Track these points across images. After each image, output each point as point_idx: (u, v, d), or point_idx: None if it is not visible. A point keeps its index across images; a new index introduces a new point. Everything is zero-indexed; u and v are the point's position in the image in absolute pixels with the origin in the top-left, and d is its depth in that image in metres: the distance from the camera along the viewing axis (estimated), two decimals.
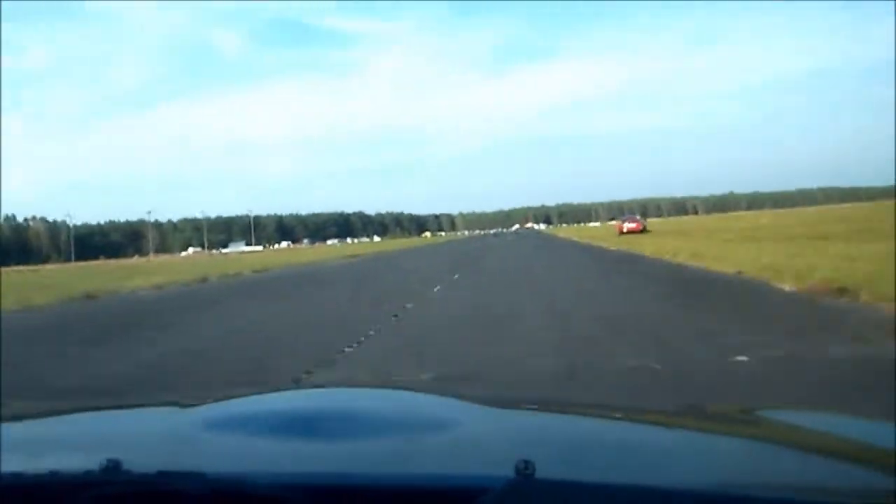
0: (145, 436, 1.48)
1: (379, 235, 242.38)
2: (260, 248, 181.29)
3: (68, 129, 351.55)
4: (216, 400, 1.69)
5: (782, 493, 1.12)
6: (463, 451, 1.30)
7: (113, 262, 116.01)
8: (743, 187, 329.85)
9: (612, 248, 34.03)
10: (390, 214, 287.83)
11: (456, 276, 20.71)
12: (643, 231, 51.82)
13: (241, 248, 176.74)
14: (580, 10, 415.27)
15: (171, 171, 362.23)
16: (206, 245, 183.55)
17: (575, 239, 57.20)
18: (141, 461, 1.13)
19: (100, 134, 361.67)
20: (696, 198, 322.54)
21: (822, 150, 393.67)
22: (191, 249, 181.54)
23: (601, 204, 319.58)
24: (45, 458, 1.27)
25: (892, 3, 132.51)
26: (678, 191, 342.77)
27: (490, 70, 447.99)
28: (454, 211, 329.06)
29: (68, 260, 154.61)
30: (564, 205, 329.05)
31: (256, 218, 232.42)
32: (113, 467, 1.04)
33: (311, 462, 1.20)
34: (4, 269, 59.37)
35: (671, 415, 1.98)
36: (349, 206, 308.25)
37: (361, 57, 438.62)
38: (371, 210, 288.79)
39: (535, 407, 2.01)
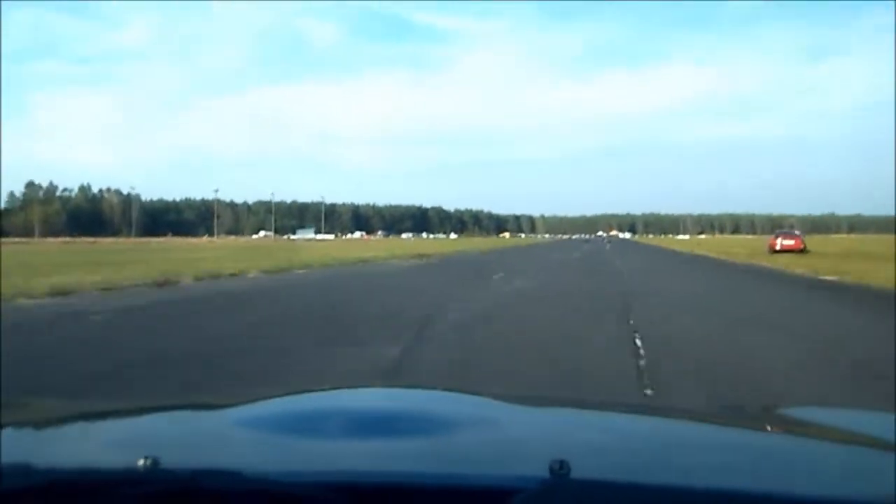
0: (183, 435, 1.48)
1: (456, 232, 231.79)
2: (331, 236, 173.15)
3: (157, 106, 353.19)
4: (252, 400, 1.67)
5: (816, 492, 1.13)
6: (497, 451, 1.29)
7: (177, 239, 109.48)
8: (843, 209, 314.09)
9: (814, 276, 21.43)
10: (469, 211, 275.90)
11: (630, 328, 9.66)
12: (803, 251, 38.74)
13: (310, 235, 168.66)
14: (678, 15, 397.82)
15: (254, 154, 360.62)
16: (274, 229, 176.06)
17: (703, 254, 44.57)
18: (179, 460, 1.14)
19: (188, 114, 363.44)
20: (793, 216, 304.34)
21: None
22: (262, 233, 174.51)
23: (689, 216, 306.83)
24: (84, 455, 1.28)
25: None
26: (772, 208, 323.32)
27: (581, 74, 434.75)
28: (535, 213, 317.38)
29: (138, 234, 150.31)
30: (651, 214, 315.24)
31: (332, 206, 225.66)
32: (151, 465, 1.04)
33: (347, 461, 1.19)
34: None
35: (704, 414, 2.00)
36: (428, 200, 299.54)
37: (452, 54, 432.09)
38: (450, 206, 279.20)
39: (570, 406, 2.03)
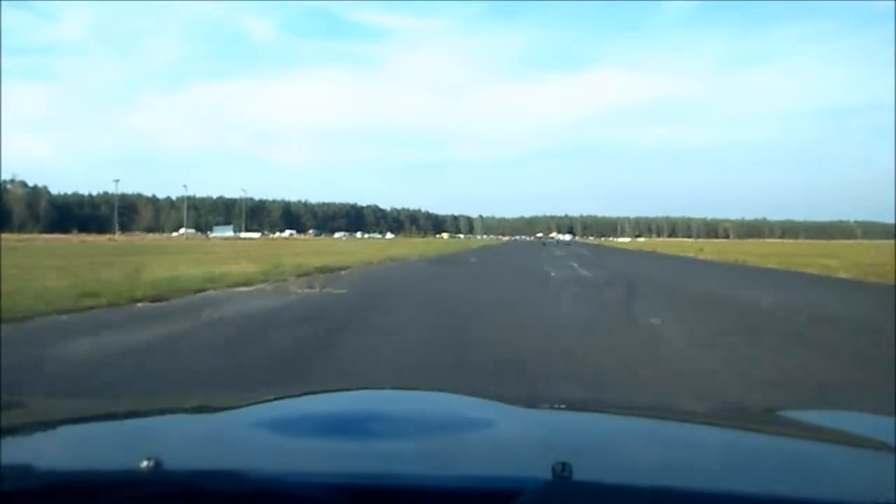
0: (184, 436, 1.47)
1: (393, 232, 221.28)
2: (257, 234, 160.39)
3: (91, 101, 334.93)
4: (253, 402, 1.67)
5: (816, 494, 1.13)
6: (500, 453, 1.28)
7: (72, 237, 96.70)
8: (776, 214, 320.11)
9: None
10: (406, 211, 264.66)
11: None
12: None
13: (228, 233, 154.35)
14: (616, 21, 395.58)
15: (189, 150, 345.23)
16: (196, 226, 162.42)
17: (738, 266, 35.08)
18: (180, 461, 1.14)
19: (122, 108, 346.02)
20: (728, 220, 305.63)
21: (862, 184, 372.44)
22: (182, 230, 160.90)
23: (627, 219, 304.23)
24: (84, 456, 1.27)
25: None
26: (707, 212, 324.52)
27: (520, 76, 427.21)
28: (473, 213, 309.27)
29: (44, 230, 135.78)
30: (589, 217, 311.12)
31: (262, 202, 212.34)
32: (153, 467, 1.03)
33: (350, 463, 1.18)
34: None
35: (706, 416, 2.02)
36: (365, 199, 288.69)
37: (391, 53, 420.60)
38: (386, 205, 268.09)
39: (572, 409, 2.04)
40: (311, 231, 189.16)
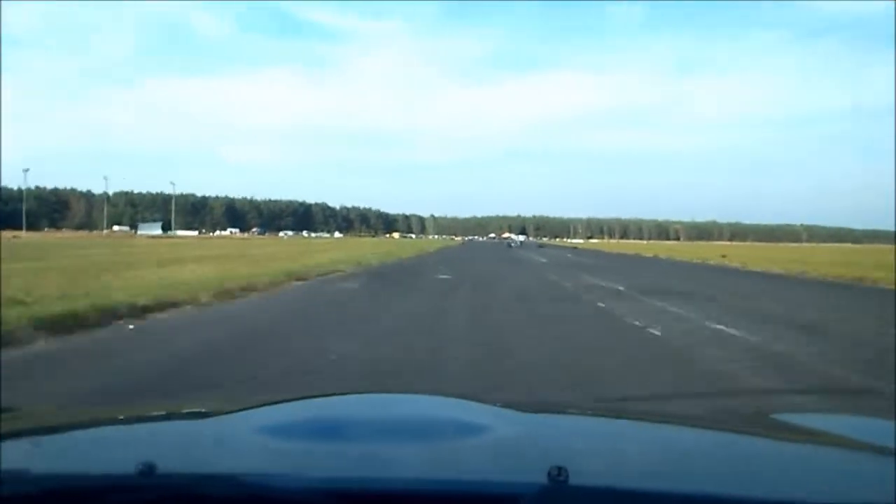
0: (181, 441, 1.46)
1: (342, 231, 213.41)
2: (194, 233, 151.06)
3: (41, 95, 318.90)
4: (251, 406, 1.67)
5: (815, 498, 1.12)
6: (496, 457, 1.28)
7: None
8: (725, 216, 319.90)
9: None
10: (356, 209, 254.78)
11: None
12: None
13: (156, 231, 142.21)
14: (570, 24, 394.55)
15: (139, 146, 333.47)
16: (105, 222, 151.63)
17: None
18: (176, 466, 1.13)
19: (73, 103, 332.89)
20: (679, 222, 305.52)
21: (808, 189, 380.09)
22: (116, 227, 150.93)
23: (580, 220, 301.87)
24: (80, 462, 1.26)
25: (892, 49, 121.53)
26: (658, 214, 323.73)
27: (475, 78, 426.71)
28: (425, 213, 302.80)
29: None
30: (541, 217, 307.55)
31: (204, 199, 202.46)
32: (148, 471, 1.03)
33: (346, 467, 1.18)
34: None
35: (703, 420, 2.00)
36: (316, 198, 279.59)
37: (347, 53, 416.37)
38: (336, 203, 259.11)
39: (568, 413, 2.03)
40: (254, 230, 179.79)
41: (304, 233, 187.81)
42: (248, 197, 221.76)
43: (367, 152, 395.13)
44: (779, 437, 1.62)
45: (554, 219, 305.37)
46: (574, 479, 1.01)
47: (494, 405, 1.74)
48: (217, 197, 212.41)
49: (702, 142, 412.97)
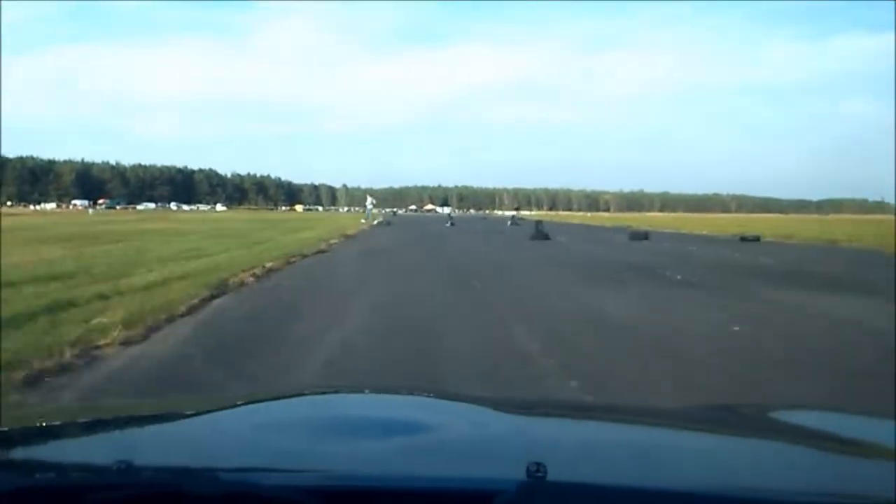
0: (163, 439, 1.43)
1: (231, 203, 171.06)
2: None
3: None
4: (231, 405, 1.63)
5: (793, 495, 1.09)
6: (475, 454, 1.26)
7: None
8: (654, 187, 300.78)
9: None
10: (252, 177, 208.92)
11: None
12: None
13: None
14: None
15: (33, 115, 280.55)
16: None
17: None
18: (158, 463, 1.11)
19: None
20: (608, 192, 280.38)
21: (733, 160, 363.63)
22: None
23: (506, 190, 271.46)
24: (63, 459, 1.25)
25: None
26: (589, 184, 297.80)
27: (388, 50, 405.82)
28: (337, 183, 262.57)
29: None
30: (464, 187, 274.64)
31: (51, 164, 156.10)
32: (130, 469, 1.01)
33: (325, 464, 1.16)
34: None
35: (682, 416, 1.96)
36: (199, 162, 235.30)
37: (253, 21, 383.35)
38: (226, 170, 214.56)
39: (547, 410, 2.00)
40: (102, 202, 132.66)
41: (173, 205, 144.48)
42: (112, 161, 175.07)
43: (275, 124, 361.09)
44: (774, 434, 1.57)
45: (479, 189, 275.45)
46: (553, 475, 0.99)
47: (473, 403, 1.69)
48: (65, 161, 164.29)
49: (619, 114, 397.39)
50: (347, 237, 26.71)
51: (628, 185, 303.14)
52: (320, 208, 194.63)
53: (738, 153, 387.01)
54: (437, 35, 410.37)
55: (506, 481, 1.00)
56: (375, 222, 45.25)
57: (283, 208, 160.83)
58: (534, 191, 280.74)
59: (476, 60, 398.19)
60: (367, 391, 2.22)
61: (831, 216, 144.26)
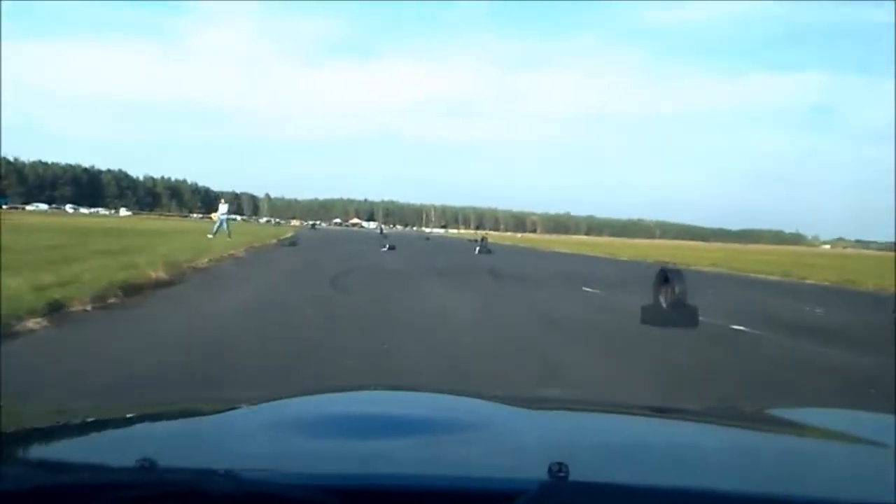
0: (183, 438, 1.42)
1: (142, 208, 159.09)
2: None
3: None
4: (250, 404, 1.63)
5: (815, 494, 1.09)
6: (497, 454, 1.24)
7: None
8: (579, 210, 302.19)
9: None
10: (166, 181, 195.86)
11: None
12: None
13: None
14: (414, 15, 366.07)
15: None
16: None
17: None
18: (176, 462, 1.11)
19: None
20: (535, 213, 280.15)
21: (658, 187, 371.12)
22: None
23: (433, 206, 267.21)
24: (81, 458, 1.23)
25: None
26: (516, 205, 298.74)
27: (319, 62, 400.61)
28: (260, 192, 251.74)
29: None
30: (391, 202, 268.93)
31: None
32: (148, 467, 1.00)
33: (346, 464, 1.15)
34: None
35: (702, 415, 1.95)
36: (111, 163, 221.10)
37: (186, 26, 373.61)
38: (139, 172, 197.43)
39: (568, 408, 1.99)
40: None
41: (69, 207, 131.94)
42: (10, 157, 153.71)
43: (198, 129, 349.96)
44: (780, 433, 1.58)
45: (406, 205, 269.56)
46: (575, 475, 0.98)
47: (494, 401, 1.68)
48: None
49: (548, 137, 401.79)
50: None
51: (554, 208, 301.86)
52: (238, 217, 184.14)
53: (662, 180, 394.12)
54: (368, 49, 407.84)
55: (528, 481, 0.98)
56: (251, 246, 24.85)
57: (197, 216, 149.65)
58: (461, 209, 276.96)
59: (408, 76, 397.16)
60: (387, 390, 2.18)
61: (750, 246, 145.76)
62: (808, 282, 23.05)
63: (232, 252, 20.57)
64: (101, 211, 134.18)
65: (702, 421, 1.75)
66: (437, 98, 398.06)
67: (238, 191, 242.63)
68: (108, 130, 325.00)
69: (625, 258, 36.82)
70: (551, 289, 14.97)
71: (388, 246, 31.30)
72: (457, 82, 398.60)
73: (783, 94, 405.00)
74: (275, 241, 32.49)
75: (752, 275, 25.50)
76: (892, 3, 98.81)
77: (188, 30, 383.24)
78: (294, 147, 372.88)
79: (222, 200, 35.21)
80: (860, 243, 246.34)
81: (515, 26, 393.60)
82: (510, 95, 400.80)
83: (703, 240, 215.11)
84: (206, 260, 16.58)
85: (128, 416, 1.63)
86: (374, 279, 15.61)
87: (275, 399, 1.66)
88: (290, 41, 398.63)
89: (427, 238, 63.93)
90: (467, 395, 1.81)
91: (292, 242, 31.09)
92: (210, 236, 28.16)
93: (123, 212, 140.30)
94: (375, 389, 2.14)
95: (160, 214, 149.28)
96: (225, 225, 30.80)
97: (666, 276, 10.44)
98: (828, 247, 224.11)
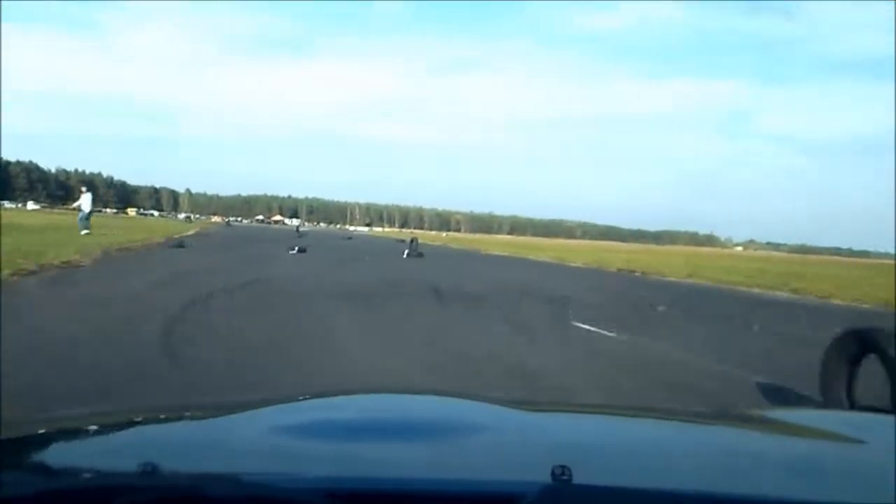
0: (183, 441, 1.41)
1: (54, 202, 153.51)
2: None
3: None
4: (252, 407, 1.63)
5: (817, 496, 1.10)
6: (499, 457, 1.23)
7: None
8: (502, 210, 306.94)
9: None
10: (80, 174, 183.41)
11: None
12: None
13: None
14: (341, 13, 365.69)
15: None
16: None
17: None
18: (178, 466, 1.11)
19: None
20: (459, 213, 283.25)
21: (579, 188, 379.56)
22: None
23: (358, 204, 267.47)
24: (83, 462, 1.22)
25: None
26: (440, 204, 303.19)
27: (248, 58, 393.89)
28: (180, 188, 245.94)
29: None
30: (315, 199, 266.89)
31: None
32: (150, 471, 0.99)
33: (348, 468, 1.14)
34: None
35: (706, 418, 1.96)
36: (20, 154, 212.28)
37: (112, 20, 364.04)
38: (51, 165, 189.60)
39: (571, 411, 1.98)
40: None
41: None
42: None
43: (122, 123, 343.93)
44: (781, 435, 1.58)
45: (330, 202, 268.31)
46: (578, 478, 0.98)
47: (497, 404, 1.67)
48: None
49: (472, 137, 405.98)
50: None
51: (478, 207, 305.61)
52: (155, 213, 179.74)
53: (583, 182, 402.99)
54: (299, 46, 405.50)
55: (530, 484, 0.98)
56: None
57: (111, 211, 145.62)
58: (386, 207, 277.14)
59: (337, 75, 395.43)
60: (389, 393, 2.22)
61: (667, 247, 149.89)
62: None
63: (77, 257, 15.04)
64: (7, 204, 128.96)
65: (705, 424, 1.76)
66: (365, 97, 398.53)
67: (157, 185, 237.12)
68: (19, 121, 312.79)
69: (579, 264, 30.92)
70: (534, 328, 9.08)
71: (297, 248, 26.26)
72: (384, 82, 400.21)
73: (703, 99, 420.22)
74: (163, 240, 28.05)
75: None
76: (890, 3, 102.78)
77: (110, 21, 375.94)
78: (217, 143, 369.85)
79: (83, 189, 28.62)
80: (770, 245, 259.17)
81: (441, 30, 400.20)
82: (437, 97, 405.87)
83: (621, 240, 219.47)
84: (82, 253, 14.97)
85: (128, 420, 1.64)
86: (251, 309, 9.71)
87: (277, 403, 1.67)
88: (215, 35, 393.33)
89: (349, 237, 57.88)
90: (468, 398, 1.83)
91: (180, 244, 25.74)
92: (84, 232, 25.05)
93: (31, 205, 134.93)
94: (377, 392, 2.19)
95: (68, 208, 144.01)
96: (87, 219, 26.58)
97: (864, 346, 4.77)
98: (740, 248, 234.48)
